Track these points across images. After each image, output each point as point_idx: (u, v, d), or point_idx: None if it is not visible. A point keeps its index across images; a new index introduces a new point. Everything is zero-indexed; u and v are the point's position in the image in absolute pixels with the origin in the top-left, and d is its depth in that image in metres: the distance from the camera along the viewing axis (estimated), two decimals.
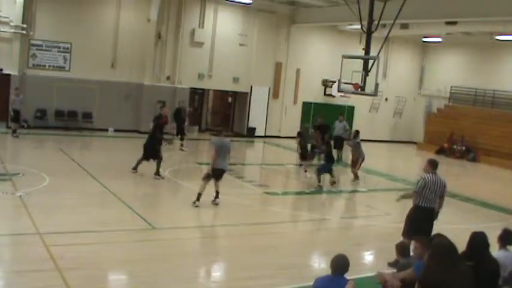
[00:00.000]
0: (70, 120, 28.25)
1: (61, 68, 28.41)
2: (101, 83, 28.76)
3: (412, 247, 8.04)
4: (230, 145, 15.45)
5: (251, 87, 32.98)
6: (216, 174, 15.01)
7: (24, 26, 27.06)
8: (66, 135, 26.66)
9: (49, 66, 28.18)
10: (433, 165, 11.21)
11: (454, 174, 26.91)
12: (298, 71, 34.49)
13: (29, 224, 11.99)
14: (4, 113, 26.48)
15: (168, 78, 30.56)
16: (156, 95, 29.58)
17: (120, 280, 10.00)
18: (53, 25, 28.07)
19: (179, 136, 25.24)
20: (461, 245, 7.18)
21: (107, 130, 28.69)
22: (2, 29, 26.62)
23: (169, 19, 30.20)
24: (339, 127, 26.60)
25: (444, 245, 6.88)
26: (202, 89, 33.66)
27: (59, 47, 28.28)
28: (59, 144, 23.86)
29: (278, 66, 33.80)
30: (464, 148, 32.70)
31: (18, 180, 16.17)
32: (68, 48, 28.42)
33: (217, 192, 15.10)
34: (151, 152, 18.02)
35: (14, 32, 26.84)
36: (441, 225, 10.76)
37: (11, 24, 26.69)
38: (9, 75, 26.84)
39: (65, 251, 10.50)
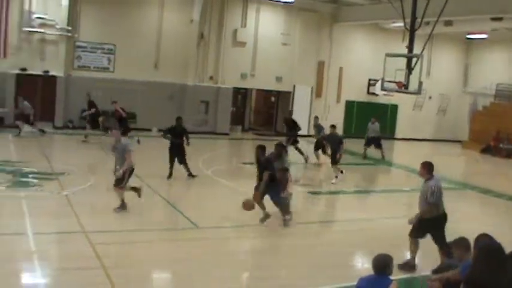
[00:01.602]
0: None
1: (105, 69, 28.85)
2: (144, 84, 29.06)
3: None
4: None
5: (294, 87, 32.91)
6: None
7: (69, 28, 27.58)
8: (108, 135, 26.94)
9: (93, 67, 28.66)
10: (430, 169, 10.63)
11: (502, 173, 26.45)
12: (341, 69, 34.32)
13: (74, 222, 12.23)
14: (51, 114, 27.05)
15: (211, 78, 30.76)
16: (199, 95, 29.83)
17: (163, 279, 10.11)
18: (97, 27, 28.51)
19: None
20: (508, 246, 7.04)
21: (150, 130, 28.97)
22: (48, 32, 27.20)
23: (211, 19, 30.41)
24: (372, 129, 26.40)
25: (491, 245, 6.78)
26: (245, 89, 33.73)
27: (103, 49, 28.72)
28: (102, 144, 24.17)
29: (321, 65, 33.69)
30: (511, 147, 32.04)
31: (65, 179, 16.48)
32: (111, 50, 28.83)
33: None
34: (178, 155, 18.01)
35: (60, 35, 27.38)
36: (487, 227, 10.57)
37: (57, 27, 27.23)
38: (55, 76, 27.37)
39: (110, 249, 10.66)
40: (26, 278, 9.43)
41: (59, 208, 13.81)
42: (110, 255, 10.25)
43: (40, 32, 27.22)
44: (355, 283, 7.07)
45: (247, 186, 14.27)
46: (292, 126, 23.77)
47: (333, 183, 19.31)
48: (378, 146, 25.89)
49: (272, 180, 12.99)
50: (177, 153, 17.77)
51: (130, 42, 28.87)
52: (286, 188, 13.26)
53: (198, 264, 10.33)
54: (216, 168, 20.37)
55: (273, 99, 34.86)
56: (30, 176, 16.60)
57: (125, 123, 23.07)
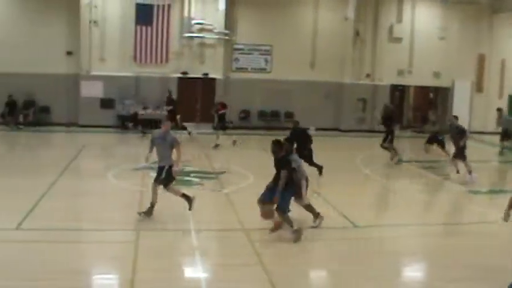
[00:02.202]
0: (272, 120, 29.05)
1: (262, 70, 29.38)
2: (301, 83, 29.23)
3: None
4: None
5: (453, 82, 31.60)
6: None
7: (227, 31, 28.46)
8: (269, 134, 27.34)
9: (251, 68, 29.31)
10: None
11: None
12: (503, 61, 32.40)
13: (234, 220, 12.51)
14: (211, 115, 27.92)
15: (367, 75, 30.33)
16: (356, 93, 29.54)
17: (321, 278, 10.00)
18: (253, 29, 29.12)
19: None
20: None
21: (308, 129, 29.00)
22: (207, 36, 28.25)
23: (366, 16, 29.99)
24: None
25: None
26: (403, 86, 32.88)
27: (260, 50, 29.28)
28: (261, 143, 24.56)
29: (481, 58, 32.05)
30: None
31: (225, 178, 16.91)
32: (268, 51, 29.31)
33: None
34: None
35: (218, 38, 28.32)
36: None
37: (215, 31, 28.26)
38: (214, 79, 28.30)
39: (268, 247, 10.75)
40: (188, 272, 9.78)
41: (220, 206, 14.20)
42: (269, 253, 10.33)
43: (199, 36, 28.33)
44: None
45: (404, 185, 13.84)
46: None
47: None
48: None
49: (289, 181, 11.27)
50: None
51: (286, 42, 29.16)
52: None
53: (356, 264, 10.13)
54: (373, 167, 19.99)
55: (431, 95, 33.69)
56: (192, 175, 17.19)
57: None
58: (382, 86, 30.23)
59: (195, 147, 22.93)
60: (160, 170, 12.40)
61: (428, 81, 31.79)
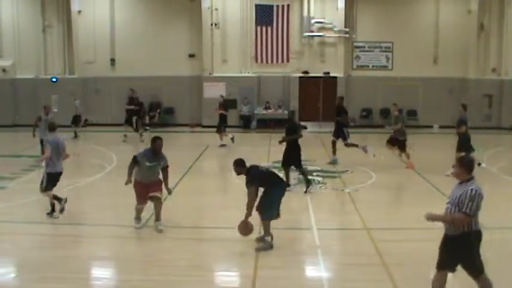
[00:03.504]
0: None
1: (384, 67, 28.93)
2: (424, 80, 28.54)
3: None
4: None
5: None
6: None
7: (347, 29, 28.26)
8: (391, 132, 26.87)
9: (372, 66, 28.95)
10: (470, 168, 7.41)
11: None
12: None
13: (356, 219, 12.39)
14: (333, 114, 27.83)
15: (493, 70, 29.06)
16: (481, 89, 28.43)
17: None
18: (373, 26, 28.80)
19: None
20: None
21: (431, 127, 28.30)
22: (327, 35, 28.21)
23: (491, 8, 28.70)
24: None
25: None
26: None
27: (381, 47, 28.88)
28: (384, 141, 24.17)
29: None
30: None
31: (347, 177, 16.81)
32: (389, 48, 28.85)
33: None
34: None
35: (338, 37, 28.20)
36: None
37: (335, 29, 28.18)
38: (335, 77, 28.17)
39: (391, 247, 10.55)
40: (309, 271, 9.79)
41: (342, 205, 14.14)
42: (392, 253, 10.13)
43: (319, 35, 28.32)
44: None
45: None
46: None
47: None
48: None
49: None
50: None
51: (407, 38, 28.60)
52: None
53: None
54: (501, 164, 19.11)
55: None
56: (315, 173, 17.17)
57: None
58: (510, 81, 28.79)
59: (318, 146, 22.89)
60: None
61: None
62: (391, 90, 28.13)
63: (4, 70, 29.08)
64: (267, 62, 28.56)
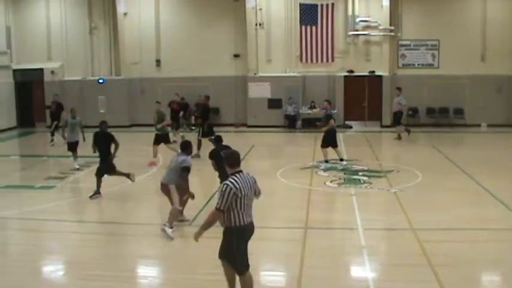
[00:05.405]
0: (441, 117, 28.15)
1: (430, 66, 28.58)
2: (471, 78, 28.03)
3: None
4: None
5: None
6: None
7: (392, 28, 28.02)
8: (438, 131, 26.64)
9: (418, 64, 28.65)
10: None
11: None
12: None
13: (403, 220, 12.28)
14: (378, 113, 27.69)
15: None
16: None
17: (492, 282, 9.44)
18: (418, 24, 28.45)
19: None
20: None
21: (479, 126, 27.83)
22: (372, 33, 28.04)
23: None
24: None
25: None
26: None
27: (427, 45, 28.51)
28: (430, 141, 23.94)
29: None
30: None
31: (393, 176, 16.68)
32: (435, 45, 28.45)
33: None
34: None
35: (383, 35, 27.98)
36: None
37: (380, 27, 27.99)
38: (380, 76, 27.96)
39: (437, 247, 10.45)
40: (354, 271, 9.77)
41: (388, 205, 14.02)
42: (438, 254, 10.03)
43: (364, 34, 28.16)
44: None
45: None
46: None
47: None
48: None
49: None
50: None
51: (453, 36, 28.14)
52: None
53: None
54: None
55: None
56: (360, 173, 17.11)
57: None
58: None
59: (363, 145, 22.79)
60: None
61: None
62: (438, 89, 27.80)
63: (53, 72, 29.71)
64: (311, 61, 28.50)
